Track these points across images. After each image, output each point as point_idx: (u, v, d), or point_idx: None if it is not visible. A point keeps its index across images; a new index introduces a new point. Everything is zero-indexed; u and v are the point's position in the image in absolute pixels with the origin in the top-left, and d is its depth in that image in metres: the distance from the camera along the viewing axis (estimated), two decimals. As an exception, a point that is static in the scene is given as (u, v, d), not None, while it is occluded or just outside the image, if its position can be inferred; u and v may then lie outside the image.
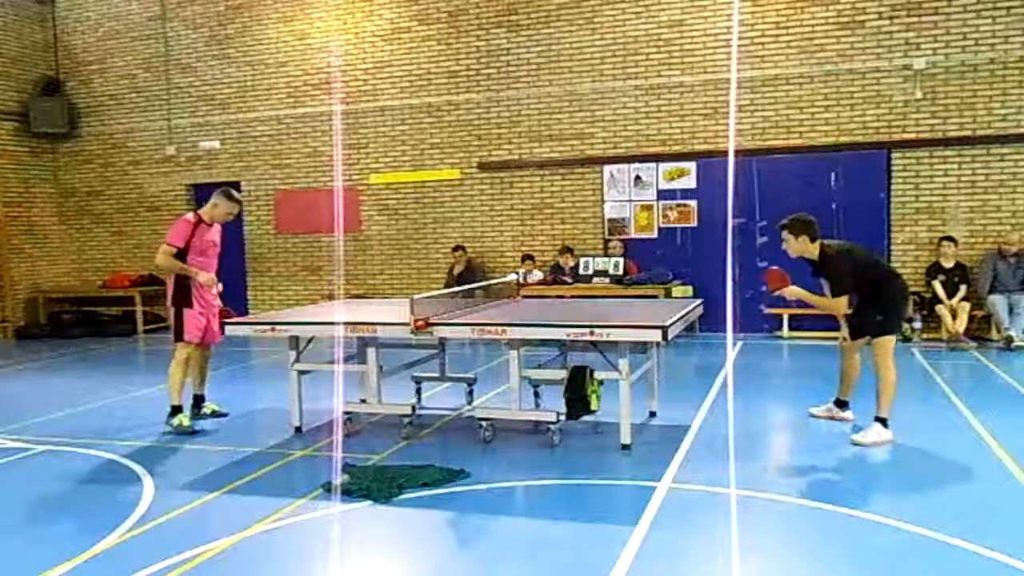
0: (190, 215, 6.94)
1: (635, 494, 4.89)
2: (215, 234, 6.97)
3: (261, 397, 8.21)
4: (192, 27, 13.86)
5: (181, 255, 6.71)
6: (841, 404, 6.53)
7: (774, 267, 6.39)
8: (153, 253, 14.62)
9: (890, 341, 5.97)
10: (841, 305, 5.96)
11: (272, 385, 8.52)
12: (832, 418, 6.50)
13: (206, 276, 6.79)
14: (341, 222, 12.95)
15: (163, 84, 14.08)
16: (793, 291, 6.10)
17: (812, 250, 6.03)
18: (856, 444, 5.82)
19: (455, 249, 12.28)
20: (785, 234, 6.08)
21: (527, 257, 11.97)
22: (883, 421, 5.90)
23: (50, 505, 5.06)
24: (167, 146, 14.13)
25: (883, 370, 5.92)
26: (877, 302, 6.00)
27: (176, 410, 6.74)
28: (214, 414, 7.11)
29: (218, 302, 7.01)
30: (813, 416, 6.62)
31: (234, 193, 6.99)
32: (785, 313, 10.88)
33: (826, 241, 6.09)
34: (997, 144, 10.41)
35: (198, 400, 7.09)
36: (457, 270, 12.15)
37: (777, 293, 6.17)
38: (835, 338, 6.61)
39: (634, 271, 11.44)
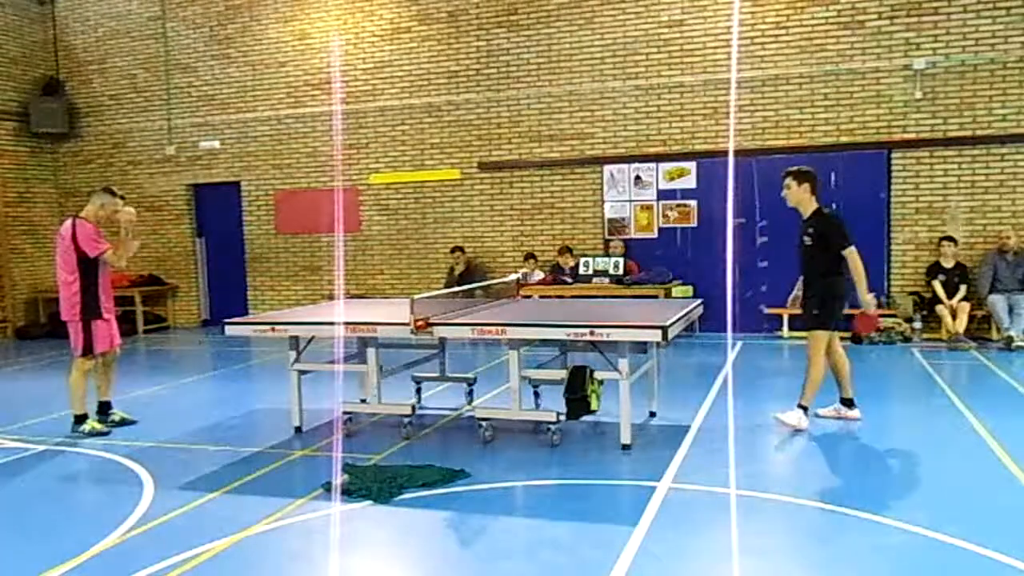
0: (80, 219, 6.63)
1: (635, 494, 4.89)
2: None
3: (261, 397, 8.21)
4: (192, 27, 13.86)
5: (92, 263, 6.57)
6: (846, 403, 6.53)
7: (861, 316, 6.63)
8: (153, 253, 14.76)
9: (824, 337, 6.24)
10: (857, 257, 6.16)
11: (272, 385, 8.52)
12: (840, 417, 6.50)
13: (128, 213, 6.71)
14: (341, 222, 12.95)
15: (163, 84, 14.08)
16: (870, 301, 6.33)
17: (807, 203, 6.33)
18: (776, 420, 6.28)
19: (453, 251, 12.27)
20: (789, 180, 6.36)
21: (530, 256, 11.97)
22: (804, 409, 6.24)
23: (50, 505, 5.06)
24: (167, 146, 14.13)
25: (811, 364, 6.25)
26: (819, 293, 6.25)
27: (81, 418, 6.66)
28: (123, 422, 6.95)
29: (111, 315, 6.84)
30: (820, 416, 6.59)
31: (115, 189, 6.92)
32: (785, 313, 10.89)
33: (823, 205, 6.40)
34: (997, 144, 10.41)
35: (104, 407, 6.96)
36: (458, 270, 12.15)
37: (877, 323, 6.49)
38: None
39: (634, 271, 11.44)
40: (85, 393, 6.74)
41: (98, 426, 6.69)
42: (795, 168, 6.44)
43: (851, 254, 6.17)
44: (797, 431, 6.19)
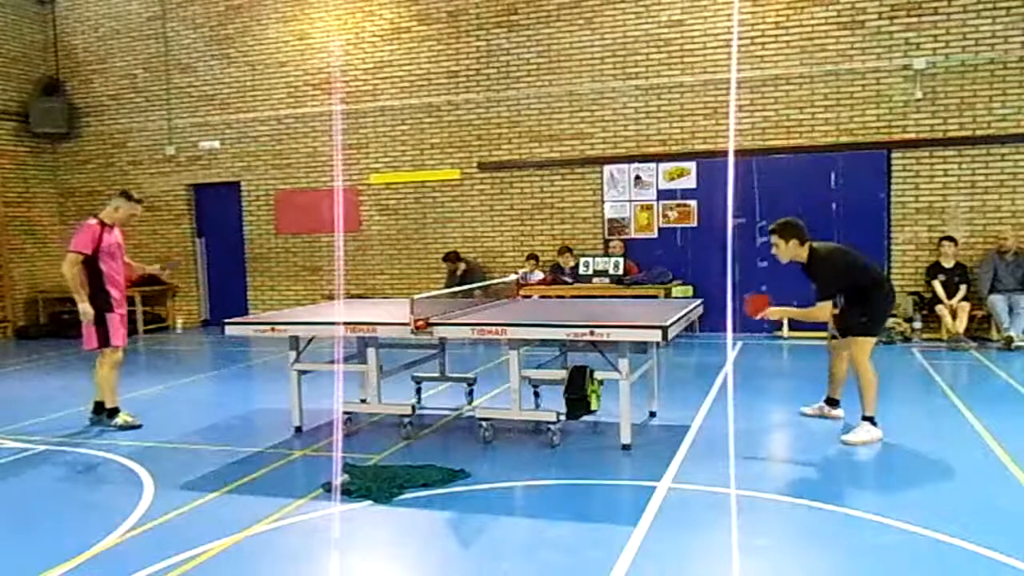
0: (92, 220, 6.87)
1: (635, 494, 4.89)
2: (117, 236, 6.99)
3: (261, 397, 8.22)
4: (192, 27, 13.86)
5: (92, 261, 6.72)
6: (832, 402, 6.54)
7: (753, 294, 6.43)
8: (153, 253, 14.74)
9: (869, 343, 5.96)
10: (823, 312, 5.90)
11: (272, 385, 8.52)
12: (823, 416, 6.51)
13: (86, 309, 6.70)
14: (341, 222, 12.95)
15: (163, 84, 14.08)
16: (775, 311, 6.10)
17: (802, 253, 6.00)
18: (846, 444, 5.82)
19: (445, 258, 12.21)
20: (775, 239, 6.03)
21: (531, 256, 11.96)
22: (871, 419, 5.90)
23: (50, 505, 5.05)
24: (167, 146, 14.13)
25: (861, 370, 5.92)
26: (863, 304, 5.96)
27: (113, 412, 6.87)
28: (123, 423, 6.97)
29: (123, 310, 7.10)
30: (804, 415, 6.63)
31: (133, 194, 7.08)
32: (785, 313, 10.88)
33: (815, 244, 6.05)
34: (997, 144, 10.41)
35: (100, 407, 6.99)
36: (460, 270, 12.13)
37: (760, 316, 6.15)
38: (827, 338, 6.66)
39: (634, 271, 11.44)
40: (115, 386, 6.92)
41: (130, 419, 6.83)
42: (778, 224, 6.03)
43: (820, 308, 5.84)
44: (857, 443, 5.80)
